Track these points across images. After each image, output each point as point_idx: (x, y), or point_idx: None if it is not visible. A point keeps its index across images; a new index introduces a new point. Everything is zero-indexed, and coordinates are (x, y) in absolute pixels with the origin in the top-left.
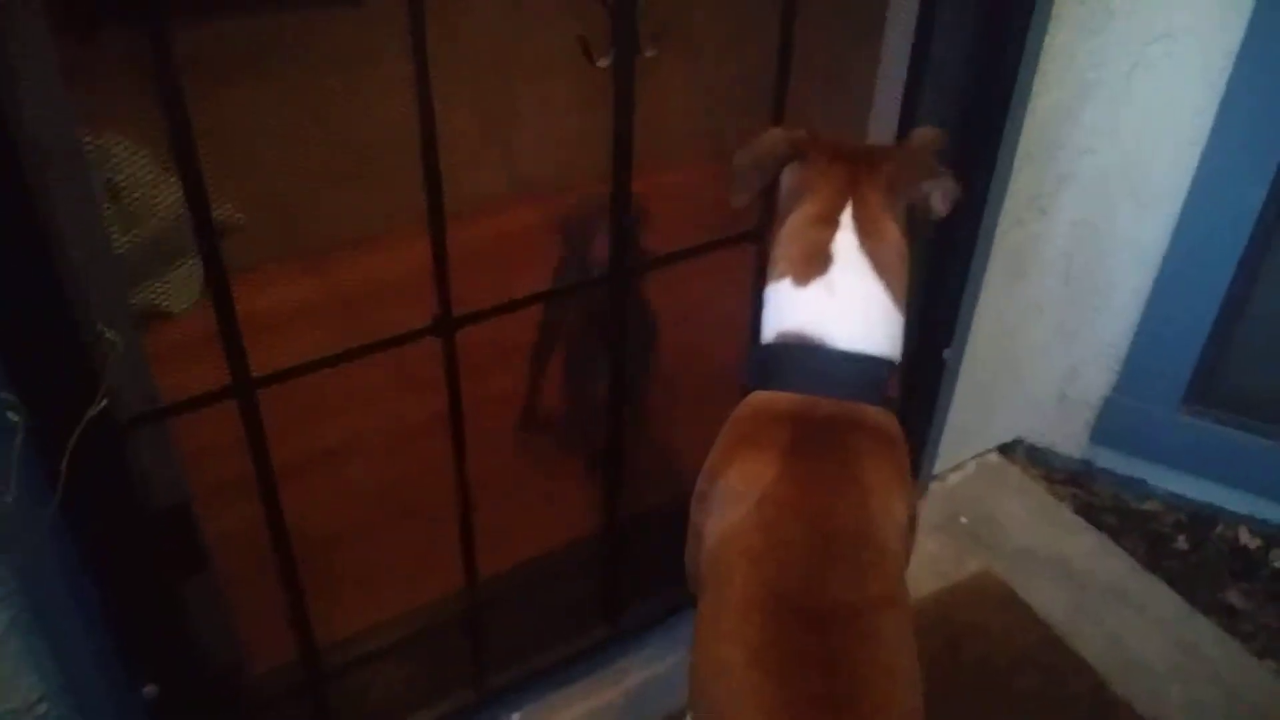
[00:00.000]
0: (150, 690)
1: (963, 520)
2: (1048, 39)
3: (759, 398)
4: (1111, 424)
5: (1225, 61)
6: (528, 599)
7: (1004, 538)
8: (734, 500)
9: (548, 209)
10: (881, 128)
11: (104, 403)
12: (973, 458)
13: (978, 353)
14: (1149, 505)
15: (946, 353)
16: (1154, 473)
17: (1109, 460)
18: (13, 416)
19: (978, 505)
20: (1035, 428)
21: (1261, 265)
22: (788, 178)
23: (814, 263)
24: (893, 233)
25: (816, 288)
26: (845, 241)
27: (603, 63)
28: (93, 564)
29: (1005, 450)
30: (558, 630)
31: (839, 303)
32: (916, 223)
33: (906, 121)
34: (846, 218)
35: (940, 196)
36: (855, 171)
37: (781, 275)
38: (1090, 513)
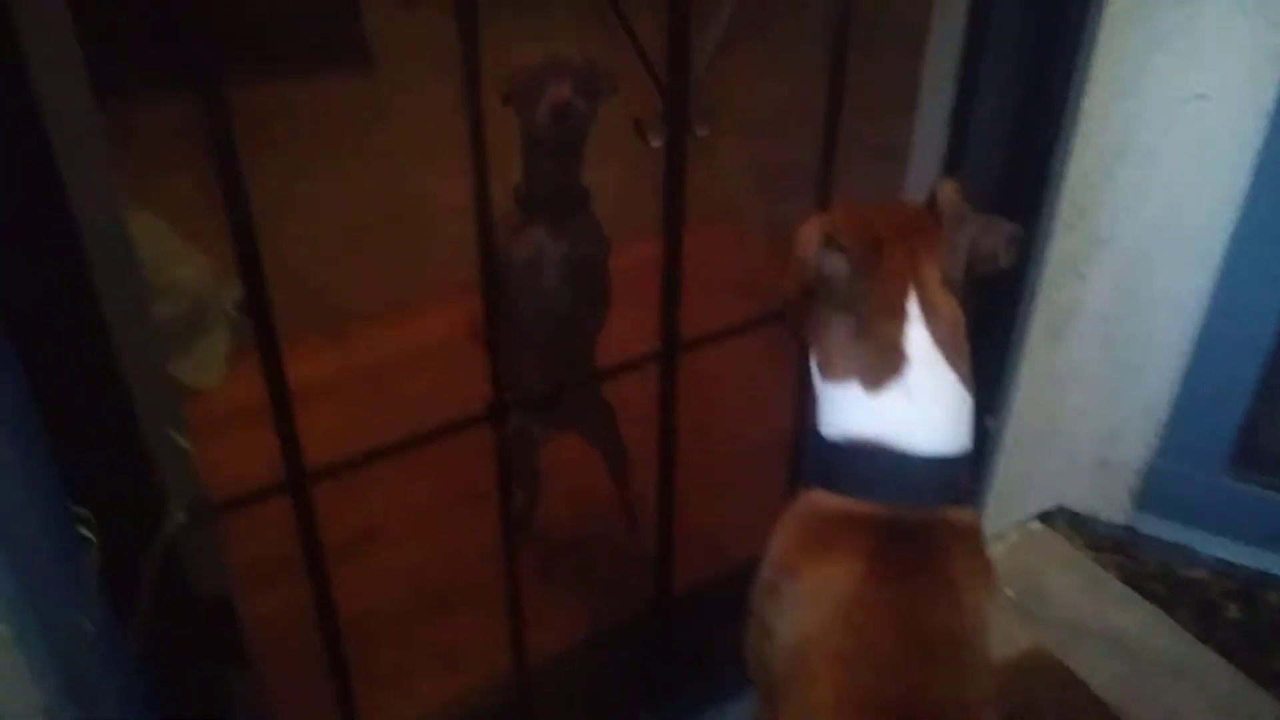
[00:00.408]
0: None
1: (1009, 593)
2: (1085, 101)
3: (830, 501)
4: (1155, 489)
5: (1260, 120)
6: (570, 686)
7: (1053, 611)
8: (813, 602)
9: None
10: (919, 191)
11: (180, 517)
12: (1014, 527)
13: (1017, 419)
14: (1197, 573)
15: (989, 420)
16: (1201, 539)
17: (1154, 527)
18: (86, 533)
19: (1024, 577)
20: (1077, 494)
21: None
22: (831, 265)
23: (886, 365)
24: (954, 309)
25: (893, 393)
26: (918, 337)
27: (655, 142)
28: (147, 666)
29: (1047, 518)
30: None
31: (918, 407)
32: (973, 281)
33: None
34: (913, 307)
35: (1005, 247)
36: (908, 249)
37: (845, 376)
38: (1138, 582)
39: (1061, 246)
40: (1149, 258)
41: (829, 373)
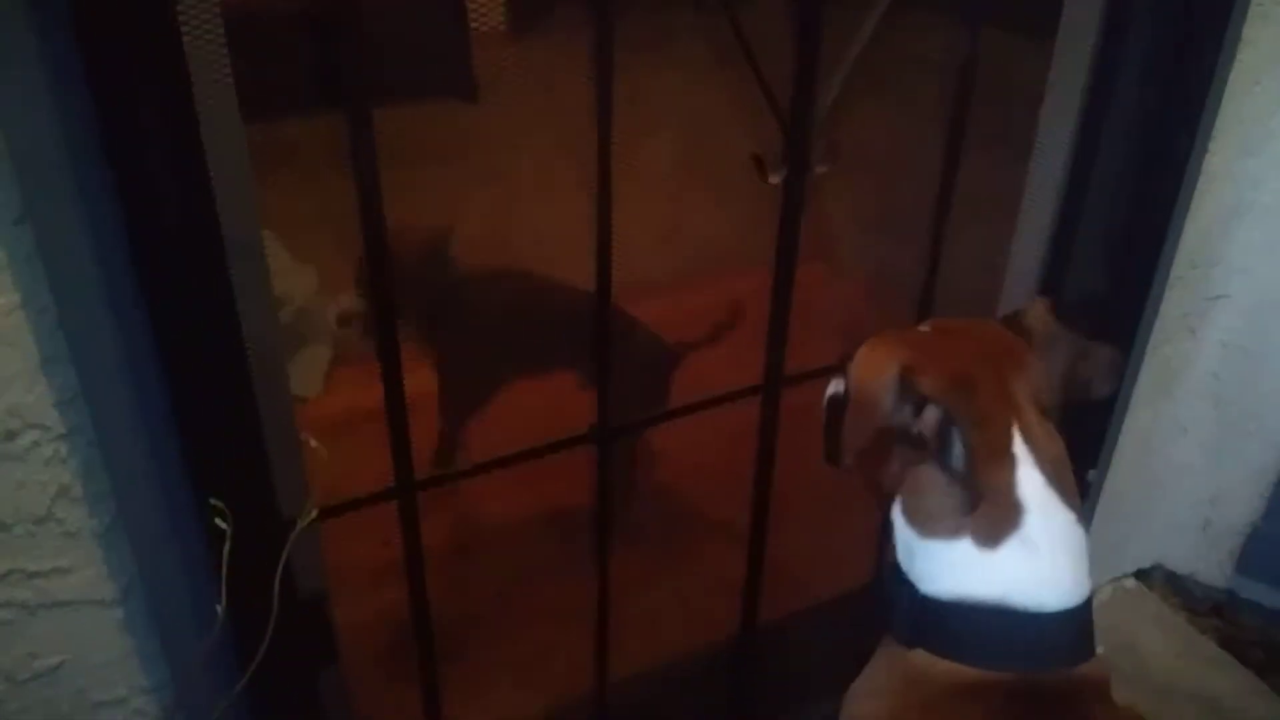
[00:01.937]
0: None
1: (1099, 650)
2: (1207, 159)
3: (942, 667)
4: (1258, 553)
5: None
6: (652, 710)
7: (1146, 672)
8: None
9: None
10: (1029, 245)
11: (314, 514)
12: (1108, 582)
13: (1119, 474)
14: None
15: (1091, 474)
16: None
17: (1254, 592)
18: (221, 524)
19: (1116, 635)
20: (1175, 554)
21: None
22: (908, 415)
23: (1000, 517)
24: (1058, 442)
25: (1011, 548)
26: (1029, 481)
27: (774, 179)
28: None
29: (1142, 576)
30: None
31: (1043, 560)
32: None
33: (1063, 239)
34: (1020, 447)
35: (1103, 374)
36: (1000, 380)
37: (953, 533)
38: (1235, 647)
39: (1173, 301)
40: (1265, 318)
41: (928, 530)
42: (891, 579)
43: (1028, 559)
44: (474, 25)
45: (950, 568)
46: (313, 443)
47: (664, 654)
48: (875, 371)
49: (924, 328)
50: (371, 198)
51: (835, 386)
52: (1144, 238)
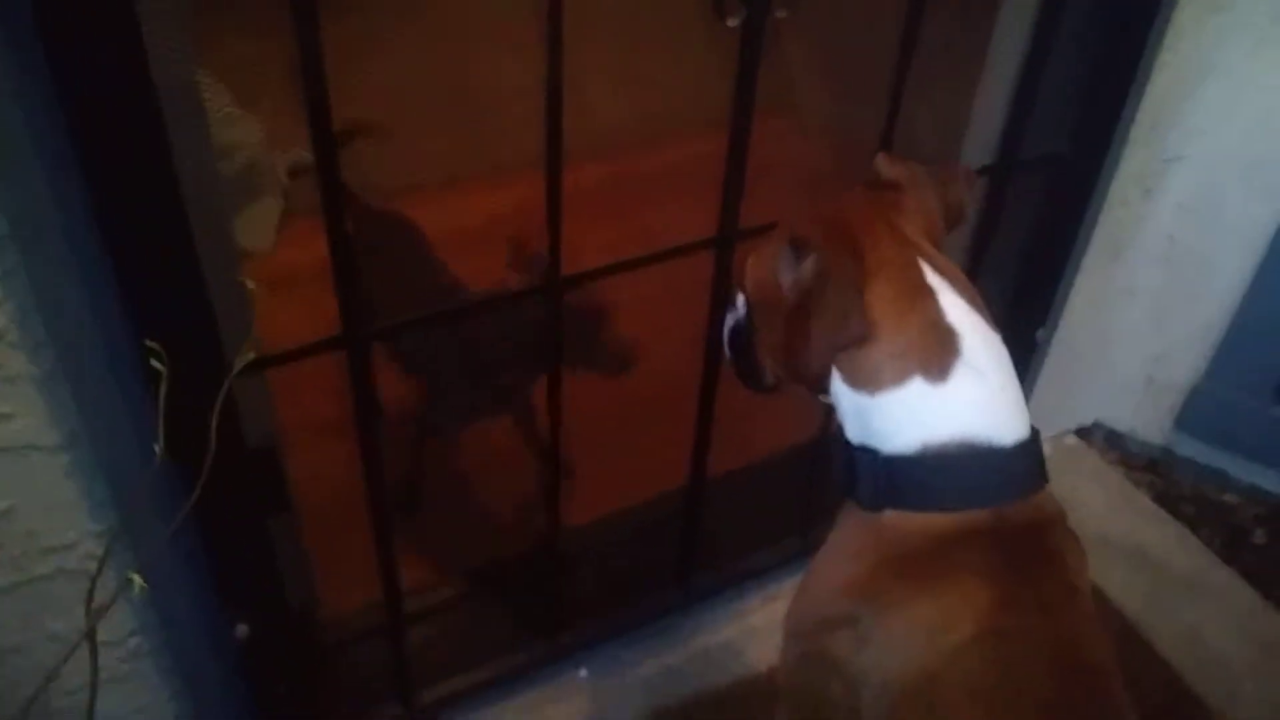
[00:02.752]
0: (242, 630)
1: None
2: (1175, 13)
3: (916, 519)
4: (1197, 412)
5: None
6: (602, 557)
7: (1079, 523)
8: (925, 633)
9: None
10: (991, 101)
11: (251, 354)
12: (1049, 438)
13: (1066, 333)
14: (1229, 497)
15: (1040, 333)
16: (1236, 464)
17: (1191, 449)
18: (157, 365)
19: (1054, 489)
20: (1117, 412)
21: None
22: (806, 272)
23: (942, 346)
24: (959, 270)
25: (960, 376)
26: (955, 306)
27: (732, 22)
28: (197, 509)
29: (1083, 433)
30: (629, 591)
31: (991, 383)
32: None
33: (1023, 95)
34: (934, 279)
35: (966, 190)
36: (888, 225)
37: (899, 378)
38: (1168, 501)
39: (1130, 162)
40: (1220, 181)
41: (876, 384)
42: (847, 452)
43: (978, 384)
44: None
45: (908, 416)
46: (249, 284)
47: (615, 504)
48: (765, 259)
49: (791, 214)
50: (311, 50)
51: (731, 318)
52: (1107, 96)
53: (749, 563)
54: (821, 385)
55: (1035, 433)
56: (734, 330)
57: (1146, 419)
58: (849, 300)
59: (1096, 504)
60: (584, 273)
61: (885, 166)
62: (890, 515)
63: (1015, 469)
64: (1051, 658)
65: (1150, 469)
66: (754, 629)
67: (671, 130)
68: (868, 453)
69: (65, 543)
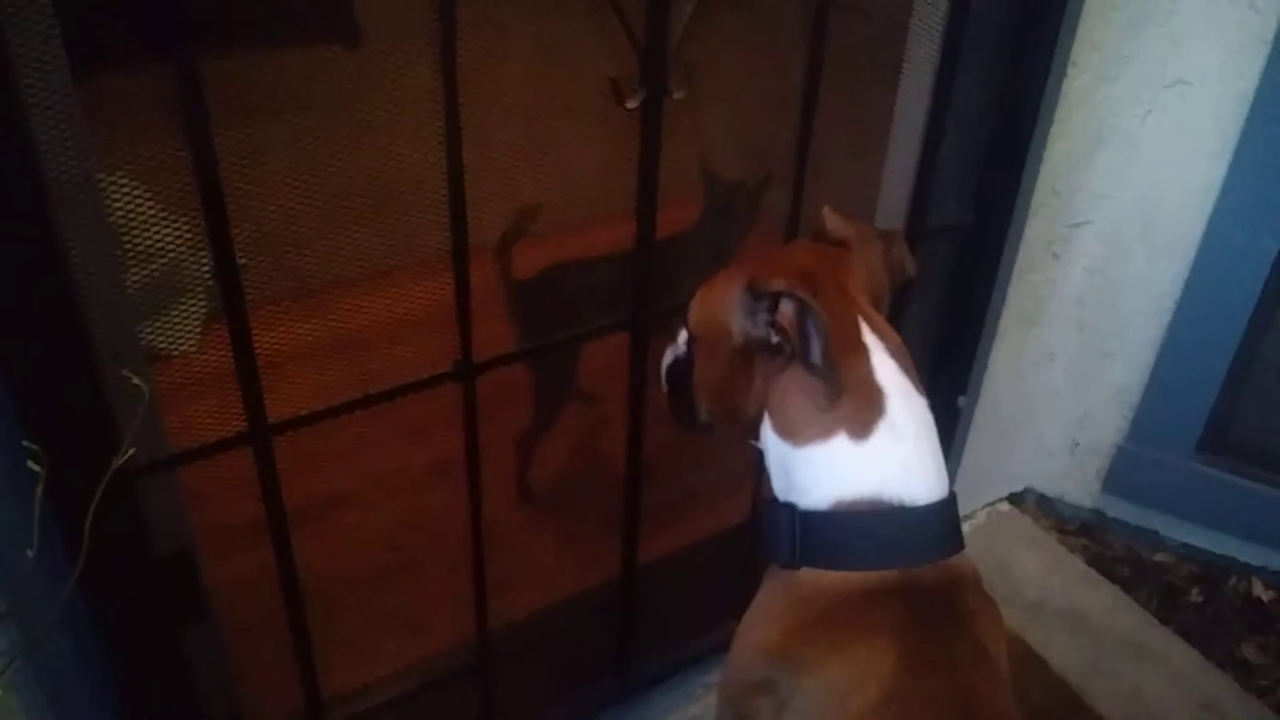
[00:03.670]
0: None
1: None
2: (1065, 83)
3: (828, 577)
4: (1123, 473)
5: (1240, 108)
6: (536, 653)
7: (1017, 590)
8: (837, 696)
9: (562, 251)
10: (897, 172)
11: (131, 452)
12: (983, 507)
13: (989, 400)
14: (1161, 557)
15: (961, 400)
16: (1167, 523)
17: (1121, 510)
18: (34, 466)
19: (989, 557)
20: (1046, 476)
21: (1276, 313)
22: (785, 318)
23: (868, 405)
24: (894, 331)
25: (880, 436)
26: (885, 366)
27: (631, 104)
28: (98, 616)
29: (1015, 500)
30: (566, 685)
31: (908, 445)
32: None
33: (925, 166)
34: (869, 337)
35: (908, 254)
36: (835, 280)
37: (826, 433)
38: (1103, 564)
39: (1037, 228)
40: (1125, 243)
41: (801, 436)
42: (769, 510)
43: (896, 445)
44: None
45: (828, 470)
46: (135, 380)
47: (545, 600)
48: (718, 298)
49: (742, 258)
50: (204, 151)
51: (671, 353)
52: (1004, 165)
53: (689, 649)
54: (753, 429)
55: (952, 496)
56: (673, 365)
57: (1075, 482)
58: (835, 351)
59: (1032, 570)
60: (498, 356)
61: (832, 221)
62: (805, 574)
63: (928, 530)
64: (955, 716)
65: (1083, 533)
66: (697, 717)
67: (588, 217)
68: (787, 508)
69: None
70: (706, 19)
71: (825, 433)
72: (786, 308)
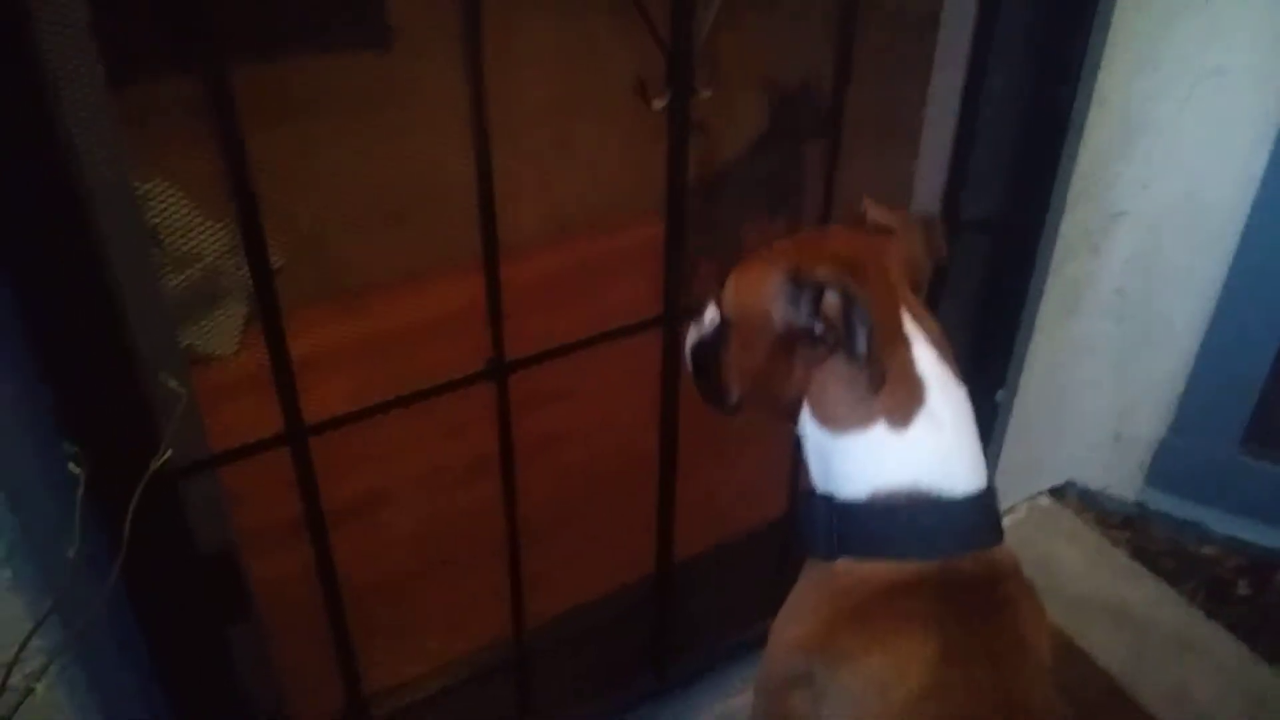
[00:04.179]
0: None
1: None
2: (1101, 74)
3: (865, 569)
4: (1167, 466)
5: (1278, 97)
6: (573, 648)
7: (1059, 584)
8: (877, 688)
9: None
10: (930, 165)
11: (168, 454)
12: (1024, 501)
13: (1029, 393)
14: (1208, 550)
15: (1000, 394)
16: (1212, 516)
17: (1165, 503)
18: (74, 468)
19: (1031, 550)
20: (1088, 469)
21: None
22: (804, 308)
23: (907, 395)
24: (934, 320)
25: (921, 426)
26: (926, 357)
27: (658, 104)
28: (142, 615)
29: (1057, 493)
30: (604, 681)
31: (948, 435)
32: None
33: (959, 158)
34: (911, 326)
35: (943, 240)
36: (881, 269)
37: (866, 421)
38: (1147, 558)
39: (1076, 219)
40: (1165, 233)
41: (841, 425)
42: (807, 501)
43: (935, 435)
44: None
45: (867, 459)
46: (172, 384)
47: (582, 596)
48: (758, 285)
49: (780, 244)
50: (238, 156)
51: (696, 333)
52: (1039, 157)
53: (727, 644)
54: (790, 415)
55: (991, 487)
56: (699, 345)
57: (1118, 476)
58: (880, 342)
59: (1075, 564)
60: (532, 356)
61: (872, 210)
62: (842, 565)
63: (966, 521)
64: (997, 708)
65: (1126, 526)
66: (735, 712)
67: (621, 217)
68: (824, 499)
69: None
70: (732, 18)
71: (865, 422)
72: (831, 298)
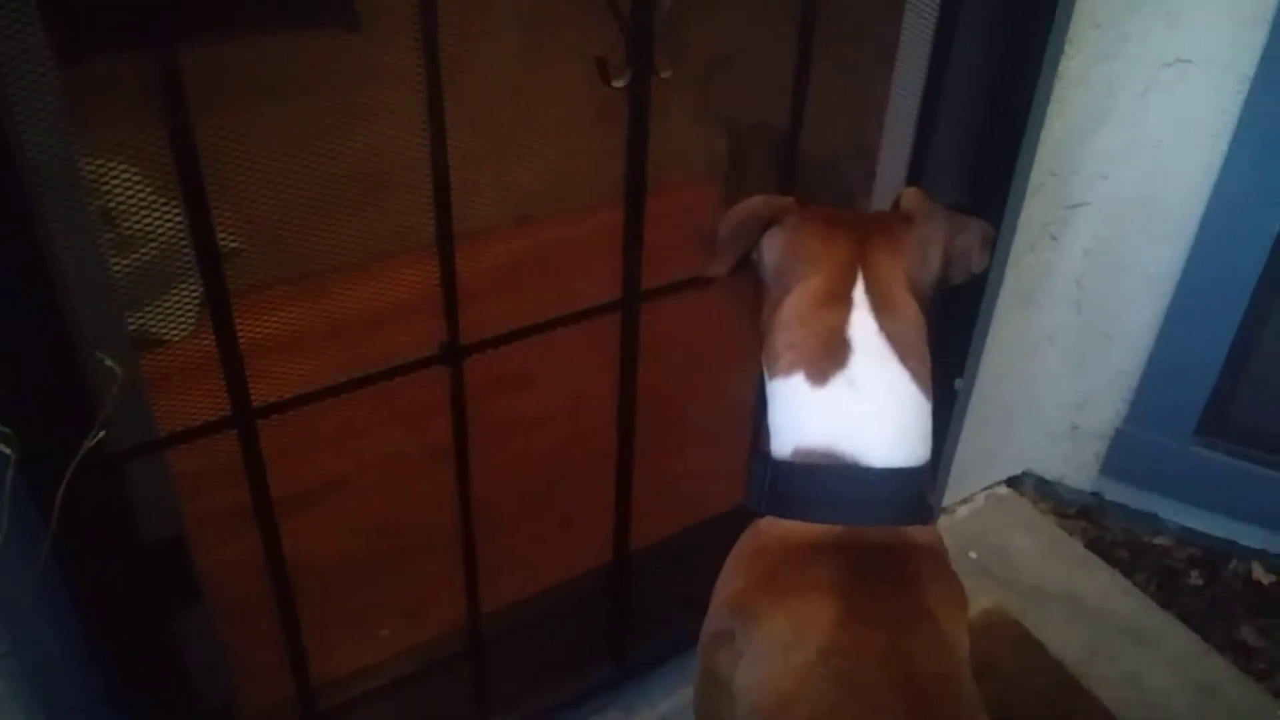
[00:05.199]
0: None
1: (972, 555)
2: (1062, 63)
3: (783, 528)
4: (1122, 456)
5: (1240, 87)
6: (531, 636)
7: (1015, 574)
8: (781, 648)
9: (555, 236)
10: (894, 155)
11: (100, 434)
12: (981, 490)
13: (987, 382)
14: (1161, 540)
15: (958, 382)
16: (1166, 506)
17: (1120, 494)
18: (4, 448)
19: (987, 540)
20: (1045, 460)
21: (1277, 295)
22: (773, 247)
23: (829, 353)
24: (912, 309)
25: (838, 386)
26: (862, 323)
27: (618, 83)
28: (82, 600)
29: (1014, 483)
30: (562, 668)
31: (867, 404)
32: (949, 283)
33: (920, 147)
34: (859, 294)
35: (978, 246)
36: (862, 238)
37: (789, 369)
38: (1101, 548)
39: (1035, 210)
40: (1124, 225)
41: (774, 367)
42: (753, 461)
43: (853, 399)
44: None
45: (789, 411)
46: (108, 362)
47: (540, 583)
48: (756, 200)
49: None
50: (184, 137)
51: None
52: (999, 146)
53: (686, 632)
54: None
55: (921, 468)
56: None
57: (1074, 466)
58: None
59: (1031, 554)
60: (487, 340)
61: (908, 197)
62: (765, 524)
63: (880, 492)
64: (890, 676)
65: (1082, 516)
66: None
67: (582, 202)
68: (764, 457)
69: None
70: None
71: (789, 369)
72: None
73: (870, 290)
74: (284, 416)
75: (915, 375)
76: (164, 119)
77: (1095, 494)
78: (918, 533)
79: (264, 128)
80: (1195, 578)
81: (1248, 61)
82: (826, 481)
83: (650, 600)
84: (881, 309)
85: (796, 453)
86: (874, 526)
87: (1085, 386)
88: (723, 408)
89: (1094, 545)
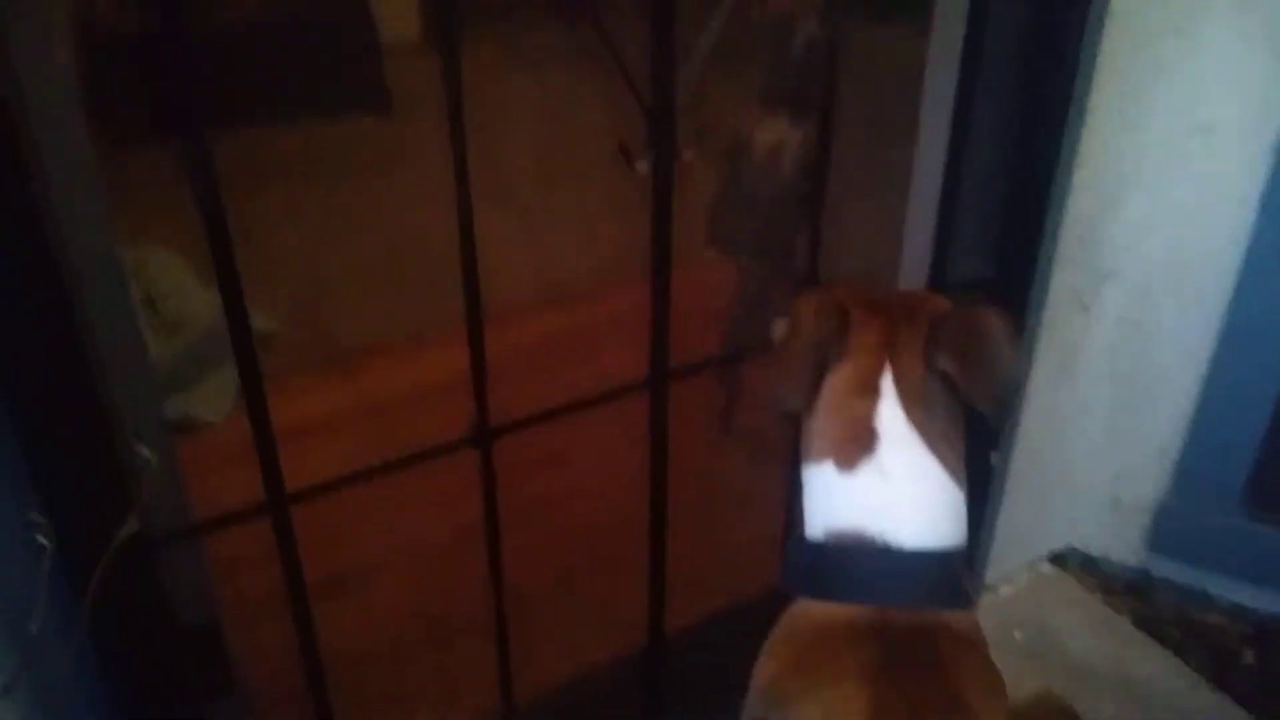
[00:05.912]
0: None
1: (1017, 636)
2: (1085, 133)
3: (816, 610)
4: (1168, 530)
5: (1266, 153)
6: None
7: (1063, 654)
8: None
9: (582, 316)
10: (917, 227)
11: (134, 525)
12: (1024, 568)
13: (1025, 457)
14: (1213, 617)
15: (994, 456)
16: (1216, 582)
17: (1167, 569)
18: (42, 539)
19: (1032, 619)
20: (1088, 535)
21: None
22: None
23: (857, 442)
24: (936, 396)
25: (867, 473)
26: (890, 415)
27: (642, 167)
28: (118, 684)
29: (1057, 560)
30: None
31: (895, 490)
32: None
33: (945, 221)
34: (887, 384)
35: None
36: (891, 324)
37: (822, 456)
38: (1151, 626)
39: (1065, 280)
40: (1154, 294)
41: (809, 454)
42: (790, 541)
43: (880, 486)
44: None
45: (820, 495)
46: (145, 453)
47: (572, 667)
48: (807, 299)
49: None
50: (217, 223)
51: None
52: (1025, 218)
53: (723, 717)
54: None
55: (955, 552)
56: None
57: (1119, 541)
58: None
59: (1079, 633)
60: (517, 420)
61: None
62: (799, 606)
63: (909, 571)
64: None
65: (1130, 593)
66: None
67: (608, 282)
68: (800, 538)
69: None
70: (717, 80)
71: (820, 455)
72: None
73: (900, 381)
74: (323, 501)
75: (944, 461)
76: (196, 204)
77: (1142, 570)
78: (954, 619)
79: (300, 211)
80: (1249, 656)
81: (1272, 129)
82: (856, 559)
83: (685, 683)
84: (910, 400)
85: (828, 534)
86: (905, 607)
87: (1125, 459)
88: (759, 486)
89: (1144, 624)
